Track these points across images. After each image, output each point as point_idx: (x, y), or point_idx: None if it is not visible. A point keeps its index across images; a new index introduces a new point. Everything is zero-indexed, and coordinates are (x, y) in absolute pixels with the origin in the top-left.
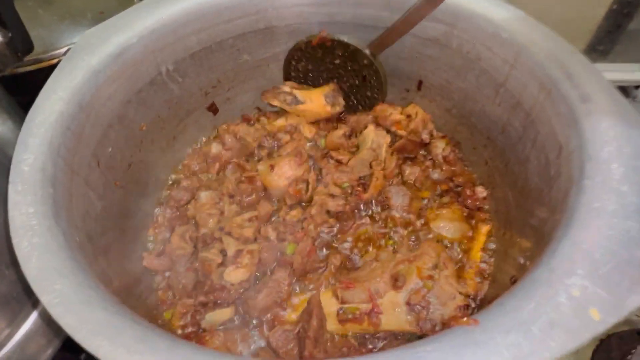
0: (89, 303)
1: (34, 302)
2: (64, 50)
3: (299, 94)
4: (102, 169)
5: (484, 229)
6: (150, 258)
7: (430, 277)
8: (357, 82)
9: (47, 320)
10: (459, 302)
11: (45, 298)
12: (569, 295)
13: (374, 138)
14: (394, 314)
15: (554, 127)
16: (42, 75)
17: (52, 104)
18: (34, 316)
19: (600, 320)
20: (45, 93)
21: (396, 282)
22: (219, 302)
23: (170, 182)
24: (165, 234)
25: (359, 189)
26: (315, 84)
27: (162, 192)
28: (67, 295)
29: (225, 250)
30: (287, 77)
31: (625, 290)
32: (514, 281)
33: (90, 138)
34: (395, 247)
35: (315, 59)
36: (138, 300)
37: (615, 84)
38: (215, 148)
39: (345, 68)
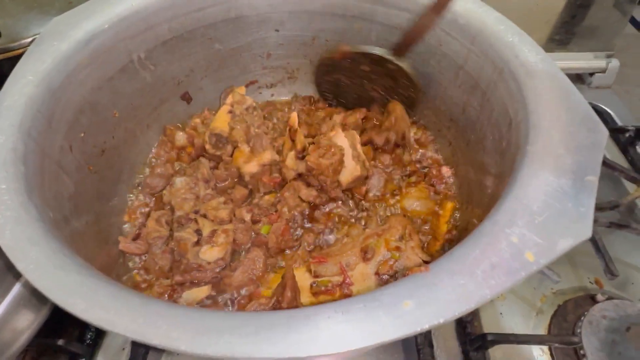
0: (64, 268)
1: (15, 274)
2: (31, 39)
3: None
4: (75, 153)
5: (449, 205)
6: (126, 242)
7: (397, 248)
8: (390, 84)
9: (26, 297)
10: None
11: (20, 265)
12: (509, 242)
13: (347, 141)
14: (364, 284)
15: (505, 103)
16: (9, 65)
17: (21, 87)
18: (7, 301)
19: (534, 261)
20: (14, 77)
21: (365, 254)
22: (195, 281)
23: (144, 169)
24: (141, 219)
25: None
26: (348, 92)
27: (136, 179)
28: (41, 262)
29: (200, 230)
30: (321, 92)
31: (557, 235)
32: None
33: (61, 122)
34: (366, 223)
35: (343, 68)
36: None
37: (572, 72)
38: (180, 138)
39: (376, 72)
